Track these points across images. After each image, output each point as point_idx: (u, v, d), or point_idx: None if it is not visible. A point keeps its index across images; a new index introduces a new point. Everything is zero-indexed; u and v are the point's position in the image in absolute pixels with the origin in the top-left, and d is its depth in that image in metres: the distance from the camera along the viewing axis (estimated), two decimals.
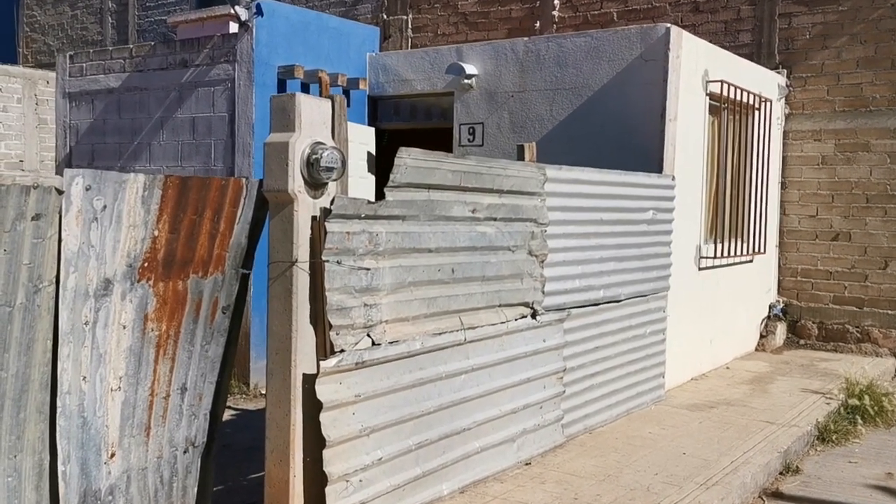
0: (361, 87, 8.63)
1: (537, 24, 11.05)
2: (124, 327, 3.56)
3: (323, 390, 3.85)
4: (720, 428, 6.16)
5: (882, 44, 9.12)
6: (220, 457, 5.64)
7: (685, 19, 10.02)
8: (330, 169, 3.86)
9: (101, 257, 3.40)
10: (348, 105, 8.63)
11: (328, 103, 3.97)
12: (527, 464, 5.27)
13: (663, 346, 6.89)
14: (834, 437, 6.35)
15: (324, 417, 3.85)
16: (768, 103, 8.93)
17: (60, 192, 3.22)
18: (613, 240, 6.13)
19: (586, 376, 5.93)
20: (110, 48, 8.80)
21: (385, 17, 12.42)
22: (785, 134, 9.69)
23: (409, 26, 12.28)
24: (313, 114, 3.89)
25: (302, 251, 3.85)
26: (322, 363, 3.87)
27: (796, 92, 9.60)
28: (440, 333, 4.55)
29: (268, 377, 3.96)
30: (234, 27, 8.09)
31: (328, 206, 3.87)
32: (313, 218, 3.87)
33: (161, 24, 15.26)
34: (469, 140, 8.21)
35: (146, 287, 3.61)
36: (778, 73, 9.48)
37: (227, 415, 6.86)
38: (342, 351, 3.95)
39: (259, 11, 7.48)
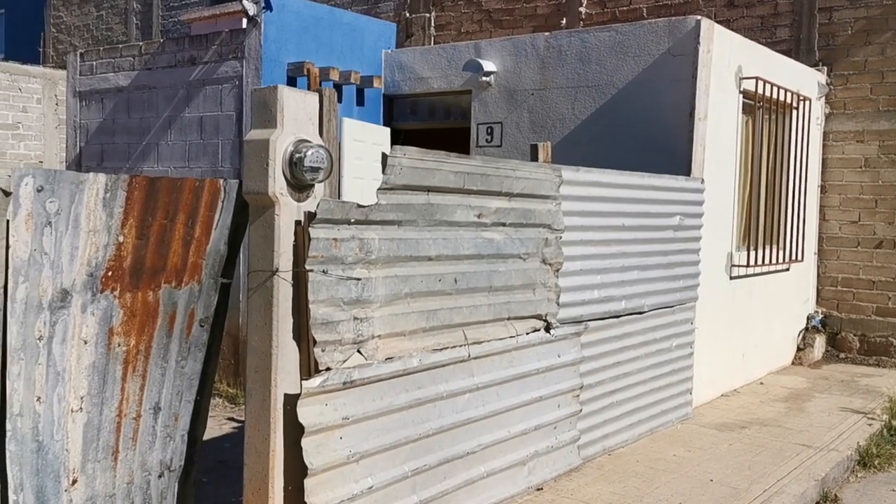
0: (376, 85, 8.30)
1: (563, 21, 10.64)
2: (85, 342, 3.24)
3: (306, 412, 3.50)
4: (752, 451, 5.70)
5: None
6: (215, 474, 5.36)
7: (719, 14, 9.53)
8: (315, 169, 3.51)
9: (57, 266, 3.08)
10: (362, 104, 8.32)
11: (315, 97, 3.62)
12: (538, 489, 4.87)
13: (691, 360, 6.44)
14: (876, 463, 5.85)
15: (306, 443, 3.50)
16: (807, 102, 8.42)
17: (7, 194, 2.91)
18: (636, 247, 5.71)
19: (605, 394, 5.51)
20: (120, 46, 8.57)
21: (408, 14, 12.10)
22: (825, 135, 9.17)
23: (432, 24, 11.95)
24: (298, 109, 3.54)
25: (284, 259, 3.50)
26: (305, 383, 3.52)
27: (837, 90, 9.07)
28: (441, 349, 4.18)
29: (247, 397, 3.63)
30: (245, 24, 7.81)
31: (313, 209, 3.52)
32: (297, 223, 3.53)
33: (184, 24, 15.12)
34: (487, 140, 7.84)
35: (110, 298, 3.29)
36: (818, 70, 8.96)
37: (228, 427, 6.56)
38: (328, 369, 3.60)
39: (268, 6, 7.17)
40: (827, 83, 9.04)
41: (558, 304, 4.99)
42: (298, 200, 3.55)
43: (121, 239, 3.27)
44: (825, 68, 9.06)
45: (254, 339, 3.58)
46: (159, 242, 3.41)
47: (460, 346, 4.28)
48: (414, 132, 8.57)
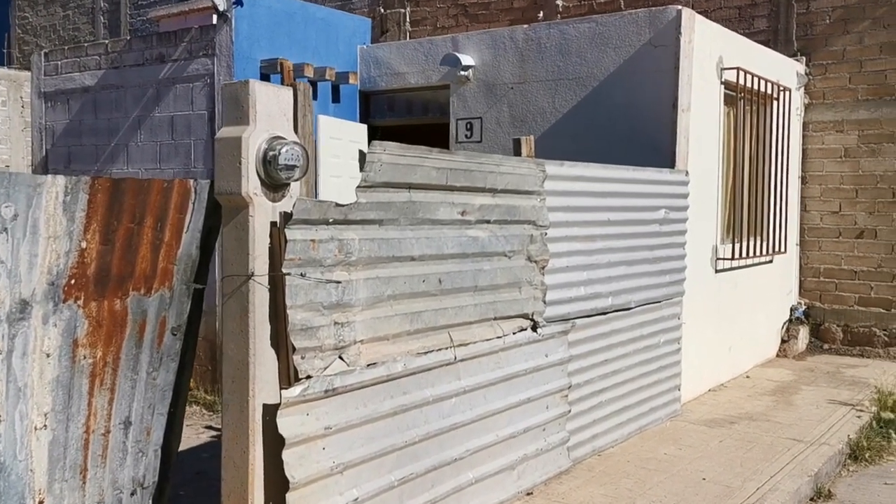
0: (352, 81, 8.11)
1: (540, 14, 10.50)
2: (48, 355, 3.05)
3: (286, 423, 3.33)
4: (743, 447, 5.60)
5: None
6: (192, 486, 5.15)
7: (696, 5, 9.44)
8: (291, 167, 3.33)
9: (14, 275, 2.88)
10: (338, 101, 8.13)
11: (289, 92, 3.44)
12: (528, 494, 4.73)
13: (678, 356, 6.34)
14: (867, 456, 5.77)
15: (287, 455, 3.33)
16: (787, 92, 8.35)
17: None
18: (622, 242, 5.58)
19: (594, 393, 5.39)
20: (86, 44, 8.31)
21: (382, 10, 11.91)
22: (804, 125, 9.11)
23: (408, 20, 11.77)
24: (271, 104, 3.37)
25: (259, 263, 3.32)
26: (284, 392, 3.35)
27: (816, 80, 9.02)
28: (426, 352, 4.02)
29: (223, 408, 3.45)
30: (216, 20, 7.59)
31: (289, 210, 3.34)
32: (272, 224, 3.35)
33: (154, 22, 14.83)
34: (466, 136, 7.68)
35: (74, 308, 3.09)
36: (796, 60, 8.90)
37: (205, 436, 6.36)
38: (309, 377, 3.43)
39: (238, 1, 6.96)
40: (806, 73, 8.99)
41: (545, 302, 4.85)
42: (273, 200, 3.37)
43: (84, 245, 3.08)
44: (804, 58, 9.00)
45: (229, 347, 3.40)
46: (126, 248, 3.22)
47: (446, 348, 4.12)
48: (391, 129, 8.39)
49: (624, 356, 5.67)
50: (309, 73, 7.50)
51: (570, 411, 5.12)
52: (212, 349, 7.10)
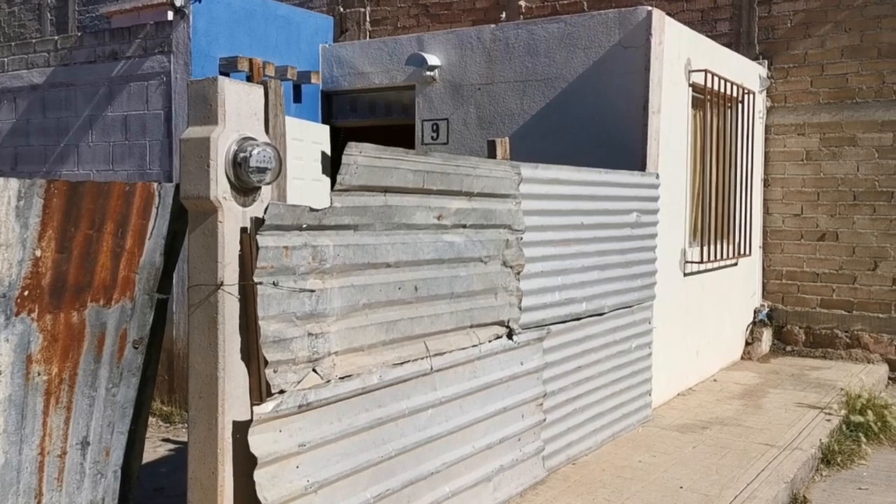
0: (314, 80, 7.89)
1: (503, 15, 10.40)
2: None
3: (258, 441, 3.14)
4: (717, 453, 5.54)
5: (868, 31, 8.61)
6: (152, 503, 4.92)
7: (659, 7, 9.40)
8: (262, 170, 3.14)
9: None
10: (299, 100, 7.91)
11: (260, 90, 3.25)
12: None
13: (650, 360, 6.26)
14: (839, 460, 5.76)
15: (259, 475, 3.13)
16: (751, 95, 8.37)
17: None
18: (595, 246, 5.48)
19: (568, 400, 5.27)
20: (34, 41, 7.96)
21: (342, 9, 11.68)
22: (767, 128, 9.15)
23: (368, 19, 11.56)
24: (241, 103, 3.17)
25: (229, 271, 3.12)
26: (256, 408, 3.15)
27: (778, 84, 9.06)
28: (402, 363, 3.85)
29: (189, 426, 3.24)
30: (172, 16, 7.31)
31: (261, 215, 3.15)
32: (243, 230, 3.16)
33: (104, 18, 14.36)
34: (433, 138, 7.52)
35: (27, 321, 2.86)
36: (758, 63, 8.93)
37: (163, 450, 6.10)
38: (282, 392, 3.23)
39: None
40: (768, 76, 9.03)
41: (520, 308, 4.72)
42: (244, 205, 3.18)
43: (38, 253, 2.85)
44: (766, 62, 9.04)
45: (196, 361, 3.19)
46: (84, 256, 3.00)
47: (422, 358, 3.96)
48: (354, 130, 8.20)
49: (597, 362, 5.57)
50: (270, 72, 7.27)
51: (545, 420, 4.99)
52: (169, 358, 6.82)
